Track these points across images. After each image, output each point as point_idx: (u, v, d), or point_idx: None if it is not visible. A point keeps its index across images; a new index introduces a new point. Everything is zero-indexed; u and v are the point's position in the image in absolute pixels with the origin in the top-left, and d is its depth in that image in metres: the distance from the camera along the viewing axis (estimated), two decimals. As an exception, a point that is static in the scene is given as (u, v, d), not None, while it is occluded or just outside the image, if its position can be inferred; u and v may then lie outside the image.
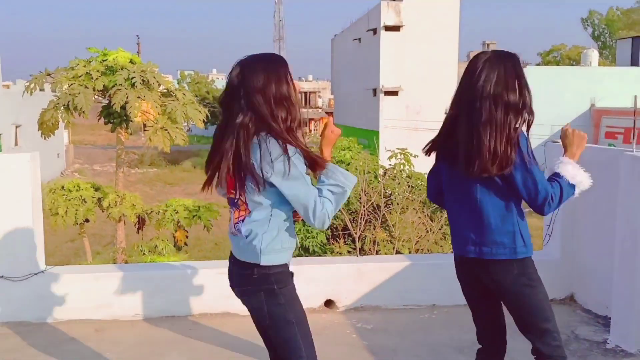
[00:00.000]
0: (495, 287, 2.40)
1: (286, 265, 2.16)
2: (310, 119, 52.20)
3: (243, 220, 2.10)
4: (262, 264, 2.07)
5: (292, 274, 2.20)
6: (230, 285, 2.21)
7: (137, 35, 41.47)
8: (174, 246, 9.82)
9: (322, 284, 4.31)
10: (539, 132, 13.96)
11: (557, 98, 25.91)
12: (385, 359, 3.49)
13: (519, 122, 2.22)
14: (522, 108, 2.24)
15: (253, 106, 2.01)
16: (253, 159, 1.98)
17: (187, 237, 10.08)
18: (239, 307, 2.60)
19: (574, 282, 4.49)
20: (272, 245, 2.08)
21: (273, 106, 2.02)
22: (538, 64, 44.88)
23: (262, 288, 2.10)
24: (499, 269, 2.35)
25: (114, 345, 3.63)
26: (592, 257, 4.34)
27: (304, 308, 2.19)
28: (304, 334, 2.16)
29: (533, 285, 2.40)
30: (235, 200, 2.12)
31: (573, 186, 2.31)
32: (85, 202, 9.30)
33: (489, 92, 2.21)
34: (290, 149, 1.99)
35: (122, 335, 3.79)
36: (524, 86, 2.27)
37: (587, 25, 55.39)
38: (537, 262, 4.58)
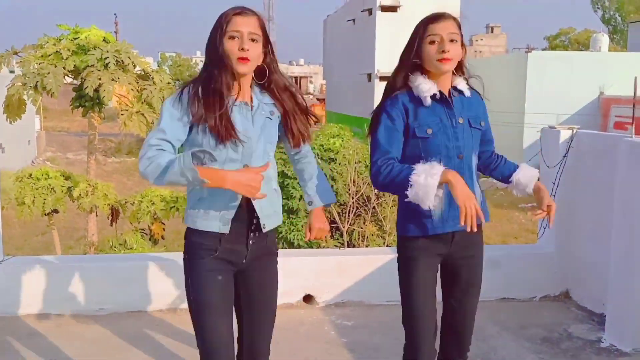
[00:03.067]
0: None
1: (208, 236, 2.16)
2: (302, 106, 52.15)
3: None
4: (185, 223, 2.20)
5: (215, 250, 2.17)
6: None
7: (115, 14, 41.08)
8: (150, 240, 9.79)
9: (301, 278, 4.31)
10: (544, 121, 14.00)
11: (564, 85, 25.97)
12: (365, 357, 3.50)
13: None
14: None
15: None
16: None
17: (164, 230, 10.05)
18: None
19: (569, 278, 4.51)
20: (194, 206, 2.17)
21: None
22: (544, 49, 44.94)
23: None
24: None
25: (73, 341, 3.62)
26: (589, 251, 4.36)
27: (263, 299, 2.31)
28: (199, 324, 2.18)
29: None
30: None
31: (405, 187, 2.18)
32: (54, 191, 9.22)
33: None
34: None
35: (83, 331, 3.78)
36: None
37: (597, 7, 55.44)
38: (530, 256, 4.65)
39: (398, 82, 2.38)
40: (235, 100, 2.16)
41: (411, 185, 2.15)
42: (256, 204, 2.17)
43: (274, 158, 2.30)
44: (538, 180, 2.54)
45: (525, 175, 2.51)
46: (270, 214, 2.25)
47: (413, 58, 2.34)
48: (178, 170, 1.93)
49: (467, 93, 2.41)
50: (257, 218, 2.20)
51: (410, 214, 2.36)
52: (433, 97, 2.32)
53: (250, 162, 2.15)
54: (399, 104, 2.33)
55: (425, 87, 2.31)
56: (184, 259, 2.23)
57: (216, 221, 2.14)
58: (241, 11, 2.12)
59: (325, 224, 2.50)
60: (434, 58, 2.29)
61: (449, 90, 2.38)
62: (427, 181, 2.12)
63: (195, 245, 2.18)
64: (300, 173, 2.53)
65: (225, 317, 2.19)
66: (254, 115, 2.19)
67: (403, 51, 2.39)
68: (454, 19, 2.35)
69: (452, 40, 2.29)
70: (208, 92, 2.10)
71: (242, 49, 2.08)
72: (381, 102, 2.40)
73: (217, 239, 2.16)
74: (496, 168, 2.56)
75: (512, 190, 2.58)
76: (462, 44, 2.38)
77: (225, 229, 2.15)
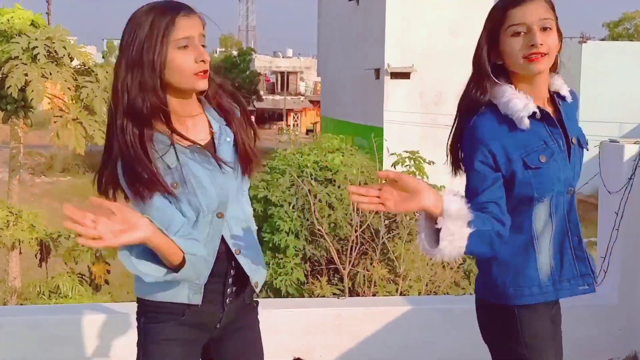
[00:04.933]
0: None
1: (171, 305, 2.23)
2: (289, 110, 52.36)
3: None
4: None
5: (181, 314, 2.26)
6: None
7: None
8: (90, 285, 9.77)
9: (290, 335, 4.30)
10: (603, 131, 14.12)
11: (629, 85, 26.16)
12: None
13: None
14: None
15: None
16: None
17: (108, 272, 10.03)
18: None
19: (639, 337, 4.51)
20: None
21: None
22: (603, 39, 45.40)
23: None
24: None
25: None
26: (663, 302, 4.37)
27: None
28: None
29: None
30: None
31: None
32: (-35, 221, 9.23)
33: None
34: None
35: (0, 407, 3.75)
36: None
37: (672, -14, 56.24)
38: (587, 308, 4.64)
39: (479, 97, 2.26)
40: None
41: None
42: (241, 257, 2.23)
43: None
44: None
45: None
46: (258, 267, 2.31)
47: (492, 59, 2.25)
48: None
49: (569, 98, 2.34)
50: (235, 269, 2.26)
51: (505, 272, 2.27)
52: (532, 115, 2.20)
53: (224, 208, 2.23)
54: (489, 127, 2.22)
55: (520, 103, 2.19)
56: (138, 326, 2.25)
57: (185, 290, 2.17)
58: (186, 11, 2.11)
59: None
60: (519, 56, 2.18)
61: (548, 98, 2.30)
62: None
63: (153, 309, 2.21)
64: None
65: None
66: (220, 143, 2.23)
67: (476, 51, 2.29)
68: None
69: (544, 29, 2.17)
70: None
71: (203, 61, 2.09)
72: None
73: (184, 305, 2.20)
74: None
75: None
76: (558, 30, 2.24)
77: (197, 299, 2.19)
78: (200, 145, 2.14)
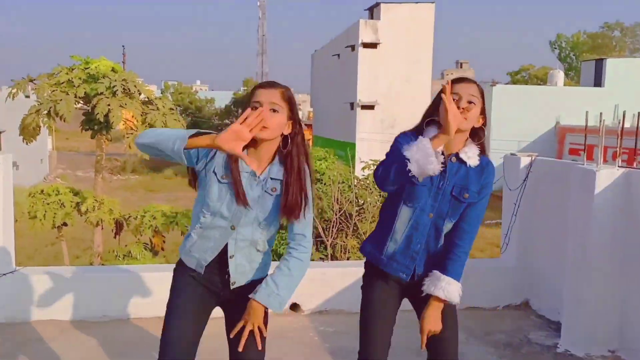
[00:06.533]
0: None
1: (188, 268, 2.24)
2: (291, 131, 52.23)
3: None
4: None
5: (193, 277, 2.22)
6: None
7: (123, 46, 41.15)
8: (151, 251, 9.69)
9: (288, 288, 4.28)
10: (506, 147, 14.14)
11: (525, 115, 26.31)
12: (344, 361, 3.47)
13: None
14: None
15: None
16: None
17: (164, 242, 9.95)
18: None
19: (529, 289, 4.53)
20: (185, 241, 2.29)
21: None
22: (507, 83, 45.56)
23: None
24: None
25: (78, 347, 3.55)
26: (546, 266, 4.39)
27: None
28: (164, 323, 2.22)
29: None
30: None
31: (405, 167, 2.00)
32: (64, 206, 9.13)
33: None
34: None
35: (87, 337, 3.71)
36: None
37: (555, 47, 56.42)
38: (494, 269, 4.66)
39: (415, 131, 2.24)
40: (250, 166, 2.11)
41: (408, 160, 1.97)
42: (232, 262, 2.15)
43: (268, 228, 2.18)
44: (444, 306, 2.31)
45: (444, 288, 2.27)
46: (245, 271, 2.18)
47: (432, 114, 2.20)
48: (173, 133, 1.98)
49: (471, 163, 2.18)
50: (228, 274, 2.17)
51: (373, 238, 2.32)
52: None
53: (237, 225, 2.13)
54: (408, 137, 2.16)
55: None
56: (174, 270, 2.29)
57: (195, 261, 2.19)
58: (264, 84, 2.13)
59: (259, 322, 2.13)
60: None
61: (452, 153, 2.18)
62: (420, 146, 1.97)
63: (180, 266, 2.27)
64: (281, 260, 2.23)
65: (188, 321, 2.17)
66: (256, 185, 2.12)
67: (426, 110, 2.25)
68: (477, 84, 2.18)
69: (470, 102, 2.13)
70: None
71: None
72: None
73: (195, 272, 2.22)
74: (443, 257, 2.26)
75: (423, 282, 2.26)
76: (483, 112, 2.18)
77: (200, 270, 2.19)
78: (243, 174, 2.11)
